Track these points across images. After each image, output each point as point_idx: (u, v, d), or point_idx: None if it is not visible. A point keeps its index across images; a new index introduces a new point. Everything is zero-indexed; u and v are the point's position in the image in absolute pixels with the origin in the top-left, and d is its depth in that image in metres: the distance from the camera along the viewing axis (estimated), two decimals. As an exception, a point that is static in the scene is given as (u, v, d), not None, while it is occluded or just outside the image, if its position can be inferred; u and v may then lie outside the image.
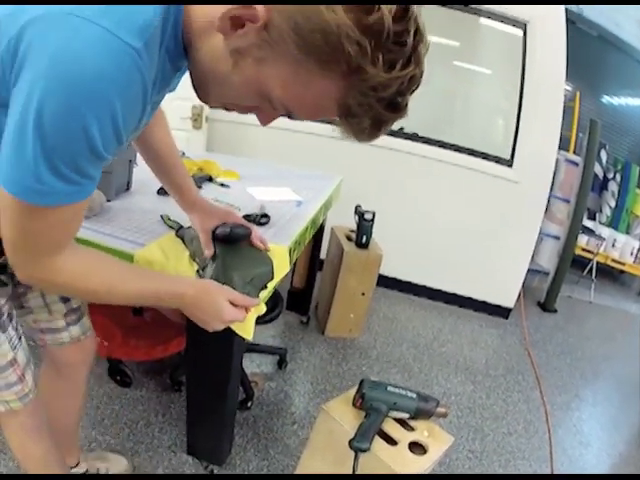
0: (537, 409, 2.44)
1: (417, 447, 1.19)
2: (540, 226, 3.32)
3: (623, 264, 5.02)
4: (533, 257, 3.52)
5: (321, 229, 2.49)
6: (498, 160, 3.23)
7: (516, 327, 3.38)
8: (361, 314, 2.67)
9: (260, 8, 0.56)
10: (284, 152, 2.91)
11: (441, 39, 3.32)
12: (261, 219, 1.53)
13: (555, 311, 3.85)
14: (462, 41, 3.38)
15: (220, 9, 0.59)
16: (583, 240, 4.71)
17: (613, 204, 5.07)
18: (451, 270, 3.43)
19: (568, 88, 4.64)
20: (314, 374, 2.33)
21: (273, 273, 1.19)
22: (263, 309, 1.16)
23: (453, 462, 1.93)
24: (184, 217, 1.26)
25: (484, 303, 3.46)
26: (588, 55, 4.95)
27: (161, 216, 1.43)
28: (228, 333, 1.05)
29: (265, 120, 0.74)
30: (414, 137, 3.25)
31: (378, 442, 1.16)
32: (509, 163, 3.21)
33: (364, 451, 1.12)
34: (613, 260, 5.00)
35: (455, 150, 3.24)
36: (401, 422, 1.24)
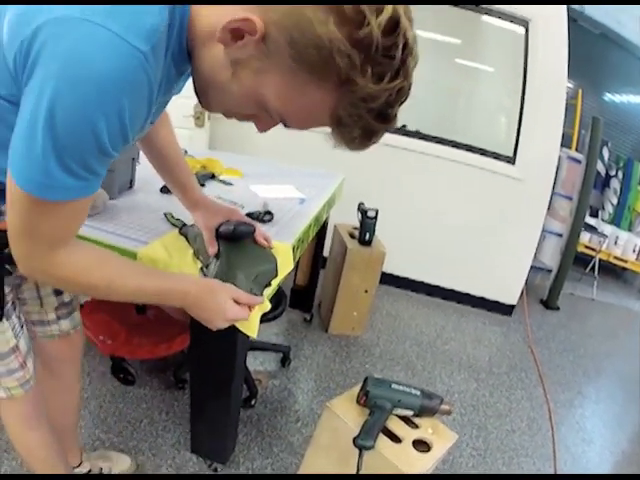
0: (540, 406, 2.44)
1: (421, 444, 1.19)
2: (543, 223, 3.32)
3: (625, 261, 5.02)
4: (536, 254, 3.51)
5: (324, 227, 2.49)
6: (501, 158, 3.23)
7: (519, 324, 3.38)
8: (364, 312, 2.67)
9: (259, 22, 0.58)
10: (286, 150, 2.90)
11: (443, 37, 3.31)
12: (264, 217, 1.53)
13: (558, 308, 3.84)
14: (464, 39, 3.37)
15: (223, 20, 0.60)
16: (585, 237, 4.71)
17: (615, 201, 5.06)
18: (454, 267, 3.43)
19: (570, 85, 4.62)
20: (317, 372, 2.33)
21: (277, 270, 1.19)
22: (267, 307, 1.16)
23: (457, 460, 1.93)
24: (187, 215, 1.26)
25: (486, 300, 3.46)
26: (590, 53, 4.94)
27: (164, 214, 1.43)
28: (231, 331, 1.05)
29: (262, 128, 0.77)
30: (416, 134, 3.25)
31: (382, 440, 1.15)
32: (512, 160, 3.21)
33: (368, 449, 1.11)
34: (615, 257, 5.00)
35: (458, 148, 3.23)
36: (405, 419, 1.24)
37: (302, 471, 1.36)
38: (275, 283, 1.22)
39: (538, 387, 2.62)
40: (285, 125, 0.72)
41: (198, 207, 1.22)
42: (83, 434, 1.70)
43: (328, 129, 0.69)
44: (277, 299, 2.00)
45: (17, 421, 1.11)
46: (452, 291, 3.48)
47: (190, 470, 1.64)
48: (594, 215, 5.02)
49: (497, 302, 3.46)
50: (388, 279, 3.32)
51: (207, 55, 0.67)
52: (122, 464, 1.57)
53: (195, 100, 0.75)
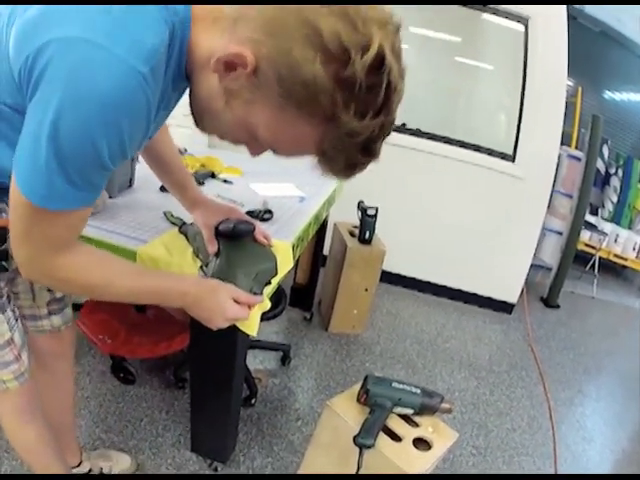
0: (540, 405, 2.44)
1: (421, 443, 1.19)
2: (543, 221, 3.32)
3: (625, 259, 5.02)
4: (536, 252, 3.51)
5: (324, 225, 2.48)
6: (501, 156, 3.23)
7: (519, 323, 3.38)
8: (364, 310, 2.66)
9: (250, 56, 0.61)
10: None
11: (443, 35, 3.31)
12: (264, 215, 1.53)
13: (558, 306, 3.84)
14: (464, 37, 3.36)
15: (219, 49, 0.64)
16: (586, 235, 4.70)
17: (615, 199, 5.06)
18: (454, 266, 3.43)
19: (570, 84, 4.61)
20: (318, 370, 2.33)
21: (277, 269, 1.19)
22: (267, 305, 1.16)
23: (457, 458, 1.93)
24: (187, 213, 1.26)
25: (487, 299, 3.46)
26: (590, 51, 4.94)
27: (164, 212, 1.43)
28: (231, 330, 1.05)
29: (254, 152, 0.79)
30: (417, 133, 3.24)
31: (382, 438, 1.15)
32: (512, 159, 3.20)
33: (369, 447, 1.11)
34: (615, 255, 5.00)
35: (458, 146, 3.23)
36: (405, 418, 1.24)
37: (302, 470, 1.35)
38: (275, 281, 1.21)
39: (538, 385, 2.62)
40: (274, 152, 0.75)
41: (197, 206, 1.22)
42: (83, 433, 1.70)
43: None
44: (277, 297, 2.00)
45: (12, 414, 1.11)
46: (452, 289, 3.47)
47: (190, 469, 1.64)
48: (594, 213, 5.01)
49: (497, 300, 3.45)
50: (388, 277, 3.31)
51: (204, 81, 0.71)
52: (122, 463, 1.57)
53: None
